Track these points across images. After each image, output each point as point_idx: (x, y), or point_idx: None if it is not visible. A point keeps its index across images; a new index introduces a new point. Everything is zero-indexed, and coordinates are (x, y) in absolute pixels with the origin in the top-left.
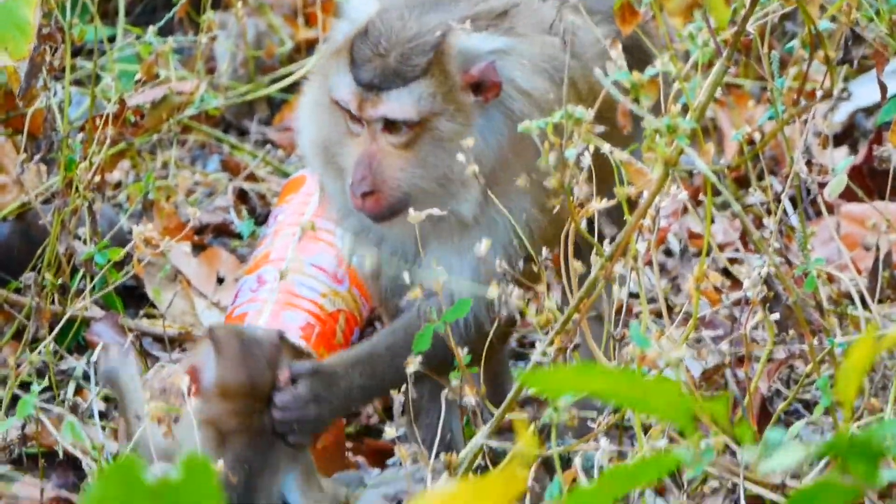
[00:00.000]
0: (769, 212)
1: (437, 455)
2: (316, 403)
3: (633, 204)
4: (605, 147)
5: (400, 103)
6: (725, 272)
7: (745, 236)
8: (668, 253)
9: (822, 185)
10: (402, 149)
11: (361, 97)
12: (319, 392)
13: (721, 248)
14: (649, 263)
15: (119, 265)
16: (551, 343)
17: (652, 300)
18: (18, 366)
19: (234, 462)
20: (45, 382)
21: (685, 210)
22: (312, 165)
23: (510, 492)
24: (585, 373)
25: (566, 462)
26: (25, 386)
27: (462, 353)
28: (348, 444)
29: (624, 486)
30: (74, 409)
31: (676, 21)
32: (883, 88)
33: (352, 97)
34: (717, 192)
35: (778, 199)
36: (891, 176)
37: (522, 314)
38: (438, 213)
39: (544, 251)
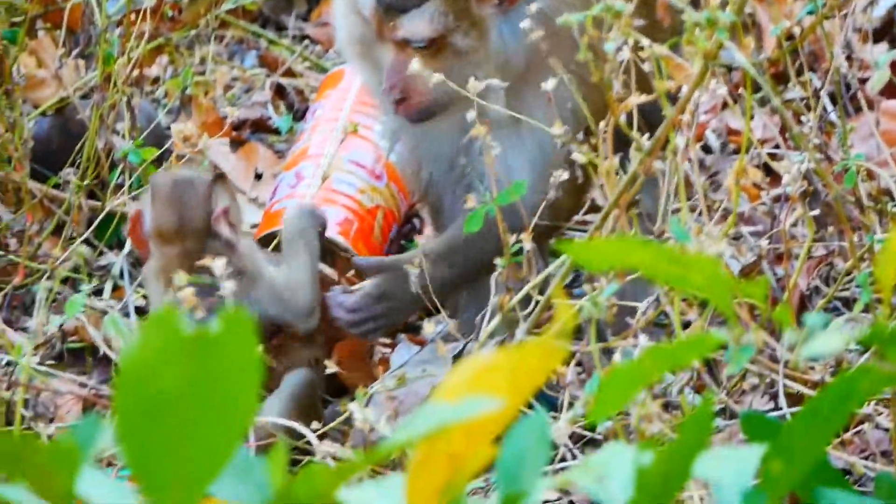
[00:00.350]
0: (808, 108)
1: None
2: (385, 301)
3: (672, 99)
4: (645, 41)
5: (414, 25)
6: (765, 168)
7: (784, 132)
8: (707, 150)
9: (862, 81)
10: (428, 59)
11: (381, 19)
12: (387, 289)
13: (761, 143)
14: (689, 159)
15: (158, 161)
16: (591, 237)
17: (691, 197)
18: (59, 260)
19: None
20: (87, 280)
21: (724, 105)
22: (350, 60)
23: (551, 361)
24: (627, 246)
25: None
26: (65, 282)
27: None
28: (387, 341)
29: (664, 366)
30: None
31: None
32: None
33: (373, 18)
34: (756, 88)
35: (817, 95)
36: None
37: (588, 175)
38: (501, 84)
39: (601, 125)
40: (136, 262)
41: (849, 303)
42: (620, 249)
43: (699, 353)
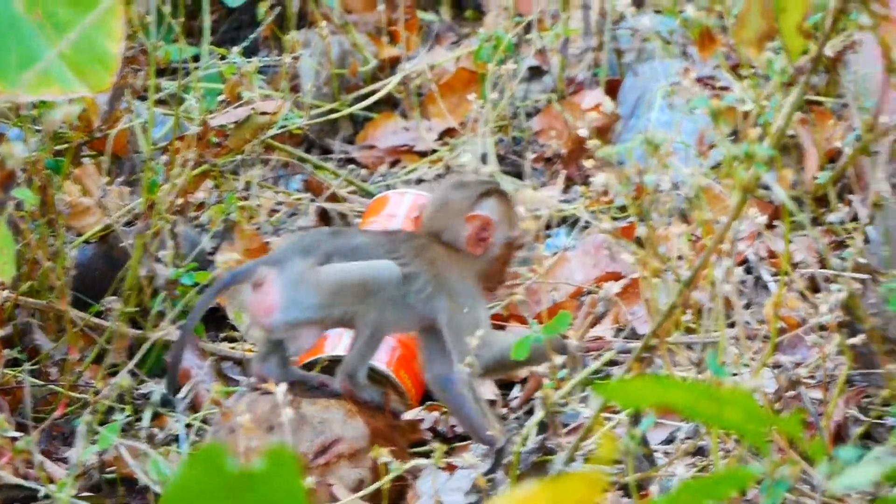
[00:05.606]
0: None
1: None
2: None
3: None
4: (684, 171)
5: None
6: (814, 290)
7: (822, 262)
8: (749, 271)
9: None
10: None
11: None
12: None
13: (798, 267)
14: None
15: (201, 287)
16: (629, 370)
17: (731, 325)
18: (97, 393)
19: None
20: (127, 410)
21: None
22: None
23: (593, 492)
24: (662, 385)
25: (641, 490)
26: (107, 411)
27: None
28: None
29: (700, 499)
30: (151, 438)
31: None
32: None
33: None
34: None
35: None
36: None
37: None
38: None
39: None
40: (176, 391)
41: (888, 430)
42: (655, 389)
43: (736, 486)
